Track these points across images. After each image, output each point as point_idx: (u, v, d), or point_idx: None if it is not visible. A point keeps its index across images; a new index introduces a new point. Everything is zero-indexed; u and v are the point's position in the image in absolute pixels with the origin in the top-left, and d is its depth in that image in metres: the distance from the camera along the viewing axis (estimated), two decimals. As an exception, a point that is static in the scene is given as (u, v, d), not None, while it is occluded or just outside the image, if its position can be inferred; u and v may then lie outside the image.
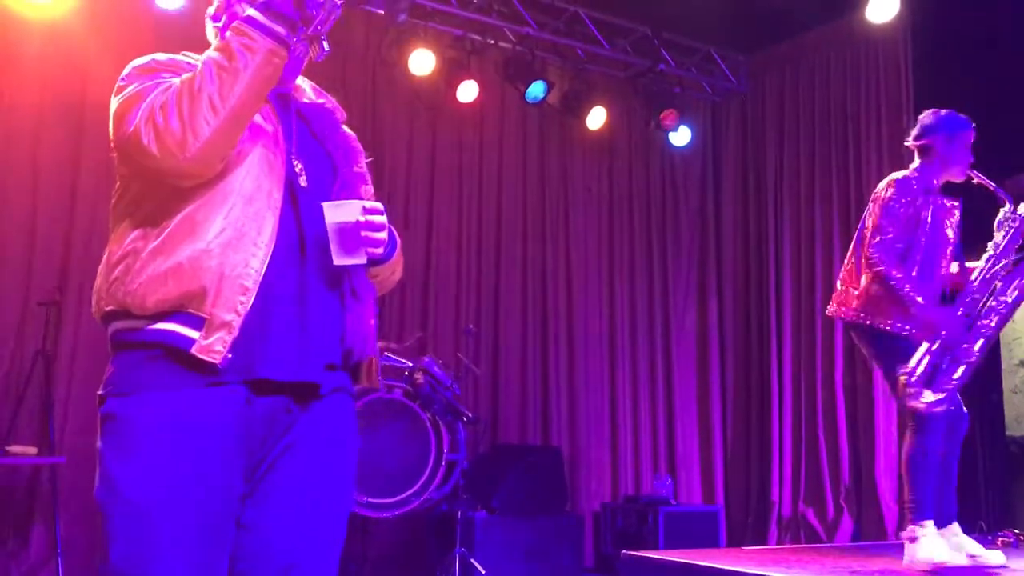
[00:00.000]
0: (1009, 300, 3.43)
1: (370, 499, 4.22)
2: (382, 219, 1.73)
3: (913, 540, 3.30)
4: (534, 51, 6.40)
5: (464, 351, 5.58)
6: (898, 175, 3.65)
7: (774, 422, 6.70)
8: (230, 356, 1.58)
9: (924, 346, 3.36)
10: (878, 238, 3.49)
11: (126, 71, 1.71)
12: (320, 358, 1.70)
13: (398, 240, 1.88)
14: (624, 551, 3.60)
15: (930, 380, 3.32)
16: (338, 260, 1.68)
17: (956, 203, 3.68)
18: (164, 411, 1.58)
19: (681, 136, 7.00)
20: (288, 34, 1.62)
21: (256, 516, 1.66)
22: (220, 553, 1.61)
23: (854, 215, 6.37)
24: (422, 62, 5.99)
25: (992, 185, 3.56)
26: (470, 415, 4.78)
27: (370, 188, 1.96)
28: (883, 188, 3.62)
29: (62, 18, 5.08)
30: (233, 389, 1.61)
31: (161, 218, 1.63)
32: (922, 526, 3.32)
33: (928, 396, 3.31)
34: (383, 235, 1.74)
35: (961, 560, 3.28)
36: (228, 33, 1.62)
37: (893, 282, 3.41)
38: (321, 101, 1.93)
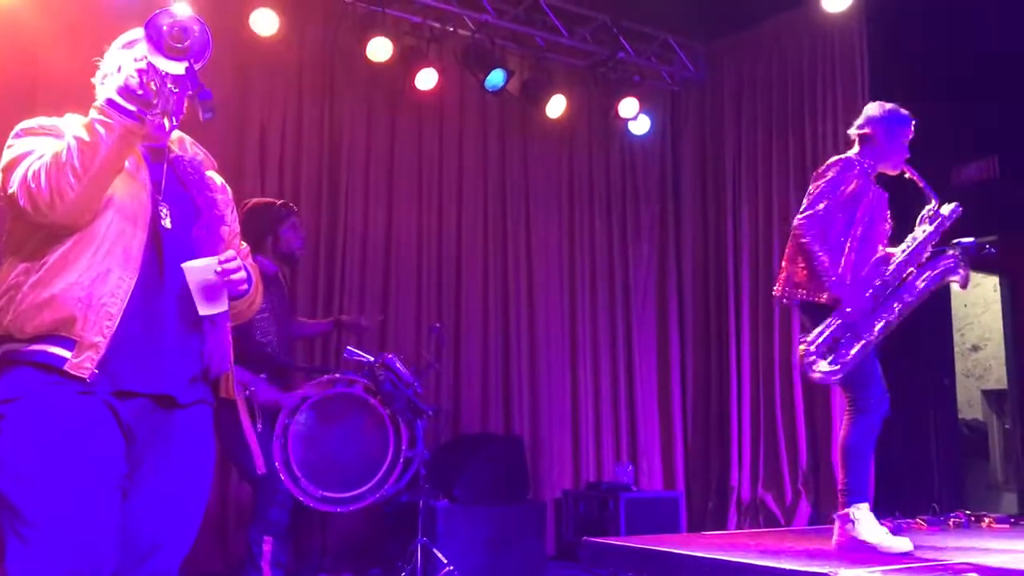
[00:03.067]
0: (917, 289, 3.59)
1: (325, 493, 4.19)
2: (237, 263, 2.04)
3: (849, 522, 3.38)
4: (493, 39, 6.38)
5: (427, 348, 5.55)
6: (842, 156, 3.72)
7: (733, 409, 6.77)
8: (97, 372, 1.89)
9: (828, 319, 3.52)
10: (808, 212, 3.62)
11: (15, 131, 2.03)
12: (179, 373, 2.02)
13: (254, 276, 2.20)
14: (585, 537, 3.61)
15: (828, 351, 3.49)
16: (203, 311, 2.01)
17: (885, 194, 3.79)
18: (41, 412, 1.87)
19: (640, 125, 7.02)
20: (141, 111, 1.93)
21: (125, 507, 1.94)
22: (107, 533, 1.87)
23: (811, 203, 6.44)
24: (380, 49, 5.93)
25: (923, 182, 3.69)
26: (431, 413, 4.76)
27: (234, 227, 2.27)
28: (826, 167, 3.72)
29: (11, 3, 4.95)
30: (101, 398, 1.91)
31: (40, 255, 1.93)
32: (858, 508, 3.43)
33: (823, 366, 3.48)
34: (241, 275, 2.06)
35: (906, 544, 3.34)
36: (91, 111, 1.94)
37: (814, 252, 3.54)
38: (194, 152, 2.25)
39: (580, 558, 3.67)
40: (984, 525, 4.29)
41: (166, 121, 2.07)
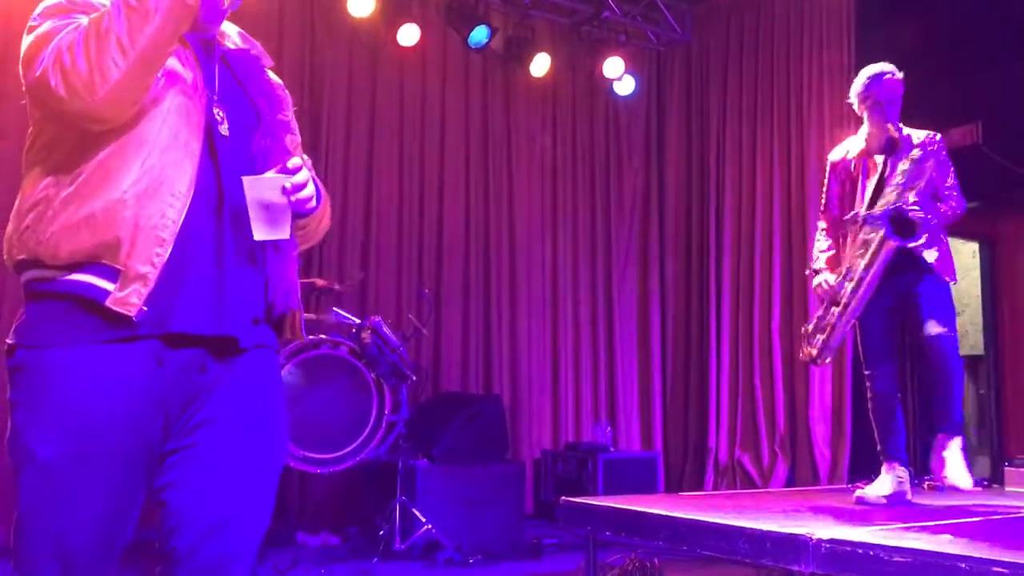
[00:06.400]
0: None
1: (306, 453, 4.19)
2: (305, 176, 1.68)
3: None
4: (477, -5, 6.29)
5: (415, 313, 5.52)
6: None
7: (712, 371, 6.80)
8: (145, 309, 1.55)
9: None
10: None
11: (38, 10, 1.63)
12: (240, 312, 1.67)
13: (323, 191, 1.82)
14: (563, 497, 3.62)
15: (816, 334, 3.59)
16: (259, 235, 1.64)
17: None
18: (75, 367, 1.55)
19: (625, 85, 6.96)
20: None
21: (185, 474, 1.63)
22: (126, 509, 1.60)
23: (794, 166, 6.43)
24: (362, 3, 5.82)
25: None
26: (415, 378, 4.75)
27: (296, 137, 1.91)
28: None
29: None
30: (146, 345, 1.57)
31: (73, 165, 1.57)
32: (887, 467, 3.59)
33: (810, 350, 3.61)
34: (309, 191, 1.69)
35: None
36: None
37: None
38: (246, 47, 1.86)
39: (558, 517, 3.67)
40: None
41: None
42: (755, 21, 6.84)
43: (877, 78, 3.61)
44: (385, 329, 4.55)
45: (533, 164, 6.99)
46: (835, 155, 3.80)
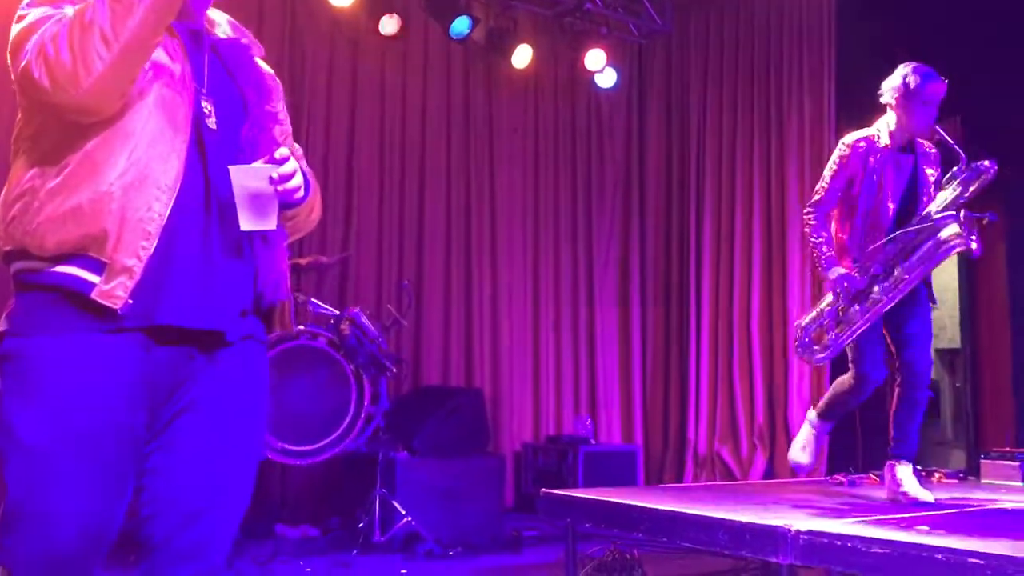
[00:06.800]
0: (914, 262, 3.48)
1: (285, 445, 4.16)
2: (293, 166, 1.67)
3: None
4: (459, -15, 6.25)
5: (395, 305, 5.50)
6: None
7: (692, 364, 6.82)
8: (131, 302, 1.56)
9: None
10: None
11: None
12: (227, 305, 1.67)
13: (312, 181, 1.81)
14: (544, 489, 3.62)
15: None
16: (246, 226, 1.64)
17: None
18: (62, 355, 1.56)
19: (607, 78, 6.95)
20: None
21: (164, 461, 1.65)
22: (116, 498, 1.60)
23: (774, 158, 6.45)
24: (342, -7, 5.78)
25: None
26: (394, 370, 4.72)
27: (286, 127, 1.91)
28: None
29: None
30: (133, 337, 1.59)
31: (60, 156, 1.58)
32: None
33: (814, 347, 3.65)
34: (297, 181, 1.69)
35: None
36: None
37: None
38: (237, 36, 1.86)
39: (538, 510, 3.68)
40: (934, 480, 4.38)
41: None
42: (735, 13, 6.85)
43: (932, 77, 3.42)
44: (364, 320, 4.53)
45: (514, 155, 6.97)
46: (853, 139, 3.57)
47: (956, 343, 7.65)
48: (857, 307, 3.46)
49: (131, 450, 1.61)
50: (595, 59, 6.73)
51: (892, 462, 3.44)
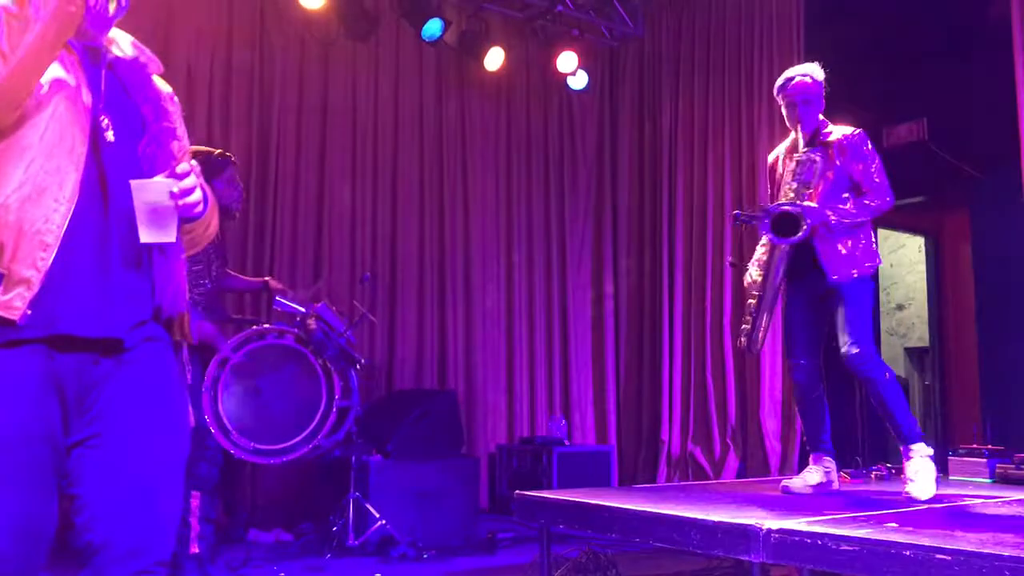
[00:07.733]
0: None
1: (256, 445, 4.13)
2: (193, 182, 1.71)
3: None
4: (431, -12, 6.25)
5: (360, 299, 5.48)
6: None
7: (664, 365, 6.85)
8: (29, 312, 1.58)
9: None
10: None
11: None
12: (125, 315, 1.69)
13: (210, 196, 1.87)
14: (518, 491, 3.62)
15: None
16: (146, 238, 1.67)
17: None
18: None
19: (579, 80, 6.97)
20: None
21: (87, 467, 1.66)
22: (41, 504, 1.62)
23: (745, 161, 6.49)
24: (313, -5, 5.76)
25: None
26: (364, 362, 4.71)
27: (184, 143, 1.94)
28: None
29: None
30: (35, 347, 1.61)
31: None
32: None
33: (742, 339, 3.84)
34: (196, 196, 1.72)
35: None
36: None
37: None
38: (135, 55, 1.89)
39: (513, 511, 3.68)
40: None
41: (112, 3, 1.71)
42: (707, 16, 6.89)
43: (787, 81, 3.64)
44: (330, 314, 4.52)
45: (487, 158, 6.98)
46: (770, 156, 3.89)
47: (925, 342, 7.74)
48: (751, 302, 3.86)
49: (50, 455, 1.62)
50: (567, 61, 6.75)
51: (903, 449, 3.52)
